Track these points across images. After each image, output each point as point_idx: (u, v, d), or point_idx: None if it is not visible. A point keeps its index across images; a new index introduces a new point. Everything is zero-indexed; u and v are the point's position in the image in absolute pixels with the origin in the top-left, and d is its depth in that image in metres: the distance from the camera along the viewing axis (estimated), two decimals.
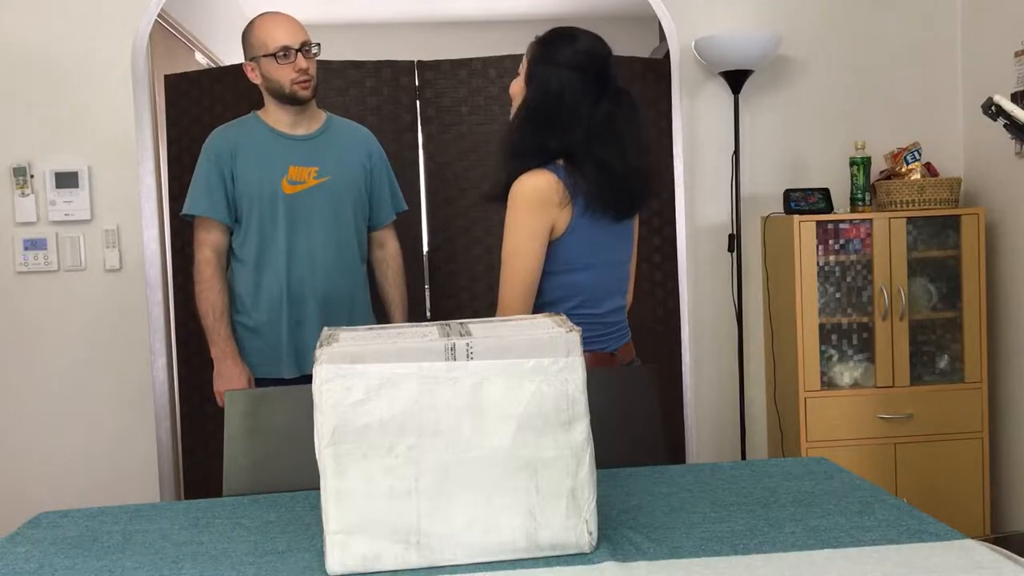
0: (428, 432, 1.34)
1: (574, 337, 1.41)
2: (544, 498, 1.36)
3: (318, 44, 2.55)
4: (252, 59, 2.53)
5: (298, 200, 2.54)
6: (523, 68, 2.11)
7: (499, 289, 2.08)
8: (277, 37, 2.48)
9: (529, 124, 2.07)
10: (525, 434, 1.36)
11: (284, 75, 2.49)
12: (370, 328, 1.50)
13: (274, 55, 2.47)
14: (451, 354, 1.35)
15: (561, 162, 2.04)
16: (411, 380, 1.34)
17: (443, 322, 1.51)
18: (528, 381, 1.37)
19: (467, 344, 1.36)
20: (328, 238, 2.57)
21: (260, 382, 2.57)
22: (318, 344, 1.40)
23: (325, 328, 1.53)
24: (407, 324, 1.56)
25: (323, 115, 2.66)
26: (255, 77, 2.55)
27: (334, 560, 1.35)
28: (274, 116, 2.58)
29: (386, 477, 1.34)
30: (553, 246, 2.05)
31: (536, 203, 2.01)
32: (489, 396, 1.36)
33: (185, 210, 2.59)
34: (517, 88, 2.12)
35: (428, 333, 1.43)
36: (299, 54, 2.49)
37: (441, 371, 1.35)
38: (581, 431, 1.38)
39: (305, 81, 2.50)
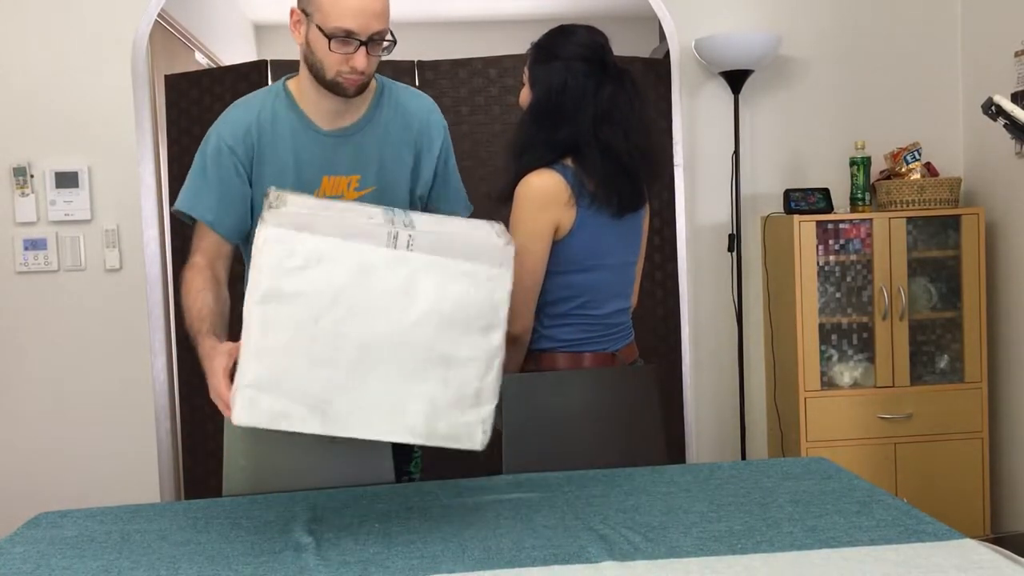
0: (357, 311, 1.39)
1: (509, 250, 1.47)
2: (451, 392, 1.42)
3: (393, 40, 1.86)
4: (304, 12, 1.85)
5: None
6: (525, 76, 2.13)
7: None
8: (344, 13, 1.77)
9: (536, 122, 2.07)
10: (446, 331, 1.42)
11: (332, 62, 1.82)
12: (319, 199, 1.54)
13: (331, 35, 1.79)
14: (392, 242, 1.40)
15: (569, 161, 2.05)
16: (350, 259, 1.39)
17: (390, 208, 1.56)
18: (458, 282, 1.42)
19: (409, 236, 1.42)
20: None
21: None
22: (266, 204, 1.45)
23: (273, 188, 1.57)
24: (355, 203, 1.60)
25: (371, 89, 1.98)
26: (297, 35, 1.88)
27: (242, 412, 1.40)
28: (309, 98, 1.94)
29: (309, 344, 1.39)
30: (557, 246, 2.05)
31: (541, 203, 2.01)
32: (420, 288, 1.41)
33: (182, 205, 1.98)
34: (524, 96, 2.13)
35: (374, 216, 1.48)
36: (363, 48, 1.80)
37: (380, 256, 1.40)
38: (497, 339, 1.45)
39: (355, 79, 1.85)
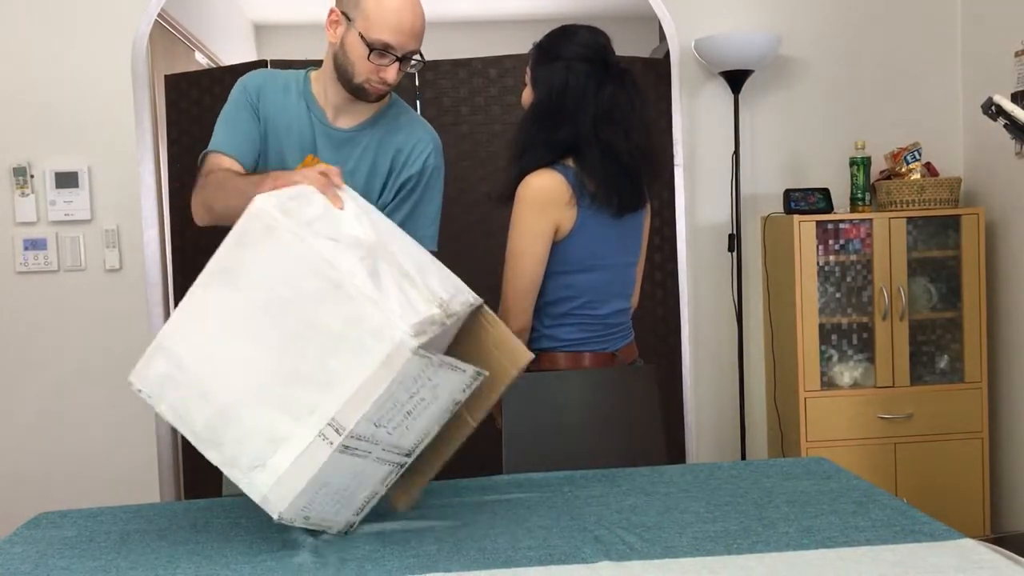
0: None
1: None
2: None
3: (421, 59, 1.96)
4: (345, 15, 1.91)
5: None
6: (527, 77, 2.13)
7: (502, 289, 2.07)
8: (389, 28, 1.87)
9: (537, 122, 2.08)
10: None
11: (365, 69, 1.90)
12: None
13: (370, 46, 1.87)
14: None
15: (569, 162, 2.05)
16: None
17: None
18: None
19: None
20: None
21: None
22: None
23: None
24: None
25: (384, 101, 2.06)
26: (333, 34, 1.94)
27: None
28: (325, 88, 2.01)
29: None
30: (558, 247, 2.05)
31: (541, 204, 2.01)
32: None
33: (209, 149, 1.99)
34: (526, 96, 2.14)
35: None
36: (397, 63, 1.91)
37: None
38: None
39: (381, 88, 1.94)
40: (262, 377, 1.42)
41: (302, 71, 2.06)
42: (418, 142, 2.05)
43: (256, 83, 2.02)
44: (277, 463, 1.39)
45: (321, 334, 1.39)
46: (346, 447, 1.38)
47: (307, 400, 1.39)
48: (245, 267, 1.44)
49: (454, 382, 1.49)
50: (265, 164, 2.00)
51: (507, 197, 2.08)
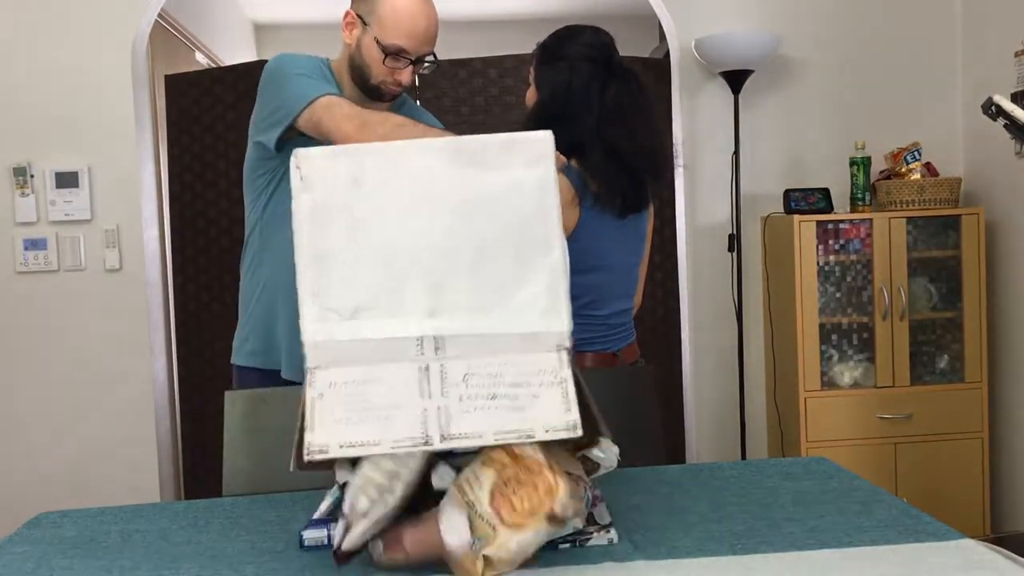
0: None
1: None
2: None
3: (434, 61, 2.04)
4: (361, 18, 1.98)
5: None
6: (531, 77, 2.13)
7: None
8: (403, 33, 1.94)
9: (540, 122, 2.07)
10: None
11: (379, 72, 1.99)
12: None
13: (385, 50, 1.95)
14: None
15: (572, 162, 2.05)
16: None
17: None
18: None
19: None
20: None
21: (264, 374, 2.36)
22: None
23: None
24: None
25: (394, 100, 2.14)
26: (348, 36, 2.02)
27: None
28: (342, 84, 2.08)
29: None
30: None
31: None
32: None
33: (298, 104, 1.93)
34: (530, 96, 2.14)
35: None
36: (411, 66, 1.99)
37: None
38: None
39: (396, 90, 2.03)
40: (425, 248, 1.33)
41: (324, 59, 2.08)
42: None
43: (313, 64, 2.04)
44: (361, 327, 1.31)
45: (504, 269, 1.33)
46: (427, 368, 1.29)
47: (441, 299, 1.31)
48: (497, 162, 1.38)
49: (549, 413, 1.32)
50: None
51: None
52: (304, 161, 1.33)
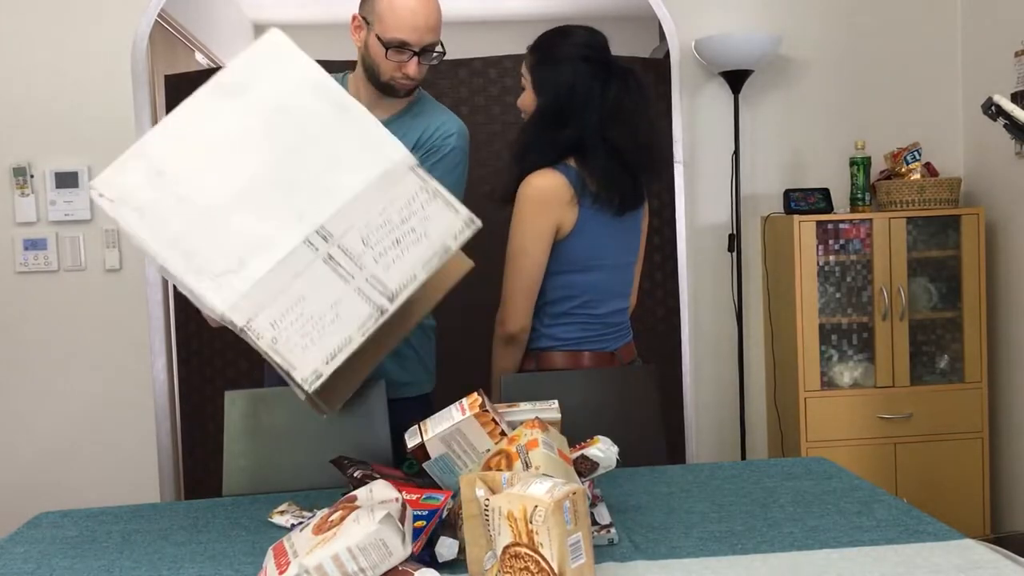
0: None
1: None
2: None
3: (441, 51, 2.07)
4: (365, 19, 2.06)
5: None
6: (526, 80, 2.12)
7: (502, 287, 2.08)
8: (401, 26, 1.99)
9: (544, 124, 2.07)
10: None
11: (387, 68, 2.04)
12: None
13: (387, 45, 2.00)
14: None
15: (571, 161, 2.05)
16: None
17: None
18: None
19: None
20: None
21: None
22: None
23: None
24: None
25: (412, 96, 2.19)
26: (356, 38, 2.09)
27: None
28: (359, 88, 2.15)
29: None
30: (558, 246, 2.05)
31: (543, 203, 2.01)
32: None
33: None
34: (528, 100, 2.12)
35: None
36: (416, 57, 2.02)
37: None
38: None
39: (407, 83, 2.07)
40: (252, 183, 1.43)
41: (340, 74, 2.16)
42: (443, 124, 2.17)
43: None
44: (256, 268, 1.39)
45: (321, 149, 1.44)
46: (331, 257, 1.37)
47: (297, 207, 1.40)
48: (253, 81, 1.48)
49: (446, 223, 1.49)
50: None
51: (508, 198, 2.08)
52: (104, 187, 1.46)
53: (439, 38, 2.05)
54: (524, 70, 2.13)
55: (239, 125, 1.46)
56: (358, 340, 1.45)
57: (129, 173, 1.46)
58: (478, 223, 1.55)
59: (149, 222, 1.43)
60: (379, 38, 2.00)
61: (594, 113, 2.03)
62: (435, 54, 2.05)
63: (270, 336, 1.39)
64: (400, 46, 1.99)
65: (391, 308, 1.45)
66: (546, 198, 2.02)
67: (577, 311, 2.10)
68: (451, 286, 1.66)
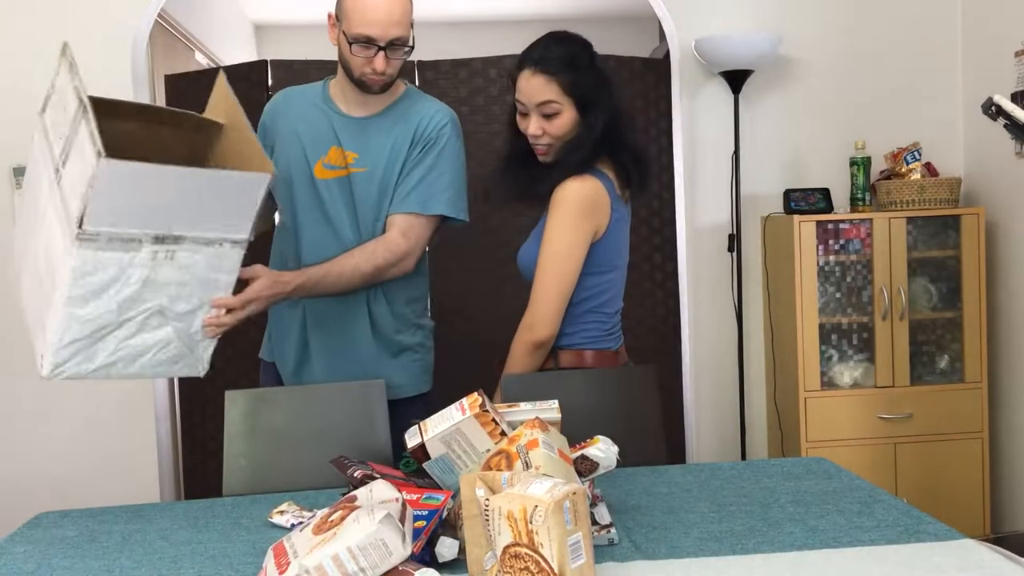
0: None
1: None
2: None
3: (410, 47, 2.08)
4: (336, 17, 2.10)
5: (327, 189, 2.17)
6: (562, 103, 2.02)
7: (535, 292, 2.04)
8: (364, 21, 2.01)
9: (598, 133, 2.04)
10: None
11: (357, 63, 2.07)
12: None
13: (352, 40, 2.04)
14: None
15: (601, 165, 2.06)
16: None
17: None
18: None
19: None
20: (349, 240, 2.16)
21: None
22: None
23: None
24: None
25: (398, 91, 2.21)
26: (332, 37, 2.13)
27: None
28: (343, 88, 2.19)
29: None
30: (592, 248, 2.05)
31: (587, 209, 2.01)
32: None
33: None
34: (567, 121, 2.03)
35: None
36: (382, 52, 2.03)
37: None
38: None
39: (377, 79, 2.09)
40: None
41: (321, 81, 2.27)
42: (435, 114, 2.19)
43: (273, 103, 2.30)
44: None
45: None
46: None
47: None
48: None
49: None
50: (287, 166, 2.20)
51: (541, 198, 2.07)
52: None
53: (406, 33, 2.06)
54: (556, 94, 2.01)
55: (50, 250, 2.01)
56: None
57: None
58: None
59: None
60: (345, 34, 2.05)
61: (619, 115, 2.06)
62: (405, 49, 2.07)
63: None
64: (366, 41, 2.03)
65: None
66: (591, 204, 2.01)
67: (596, 310, 2.11)
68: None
